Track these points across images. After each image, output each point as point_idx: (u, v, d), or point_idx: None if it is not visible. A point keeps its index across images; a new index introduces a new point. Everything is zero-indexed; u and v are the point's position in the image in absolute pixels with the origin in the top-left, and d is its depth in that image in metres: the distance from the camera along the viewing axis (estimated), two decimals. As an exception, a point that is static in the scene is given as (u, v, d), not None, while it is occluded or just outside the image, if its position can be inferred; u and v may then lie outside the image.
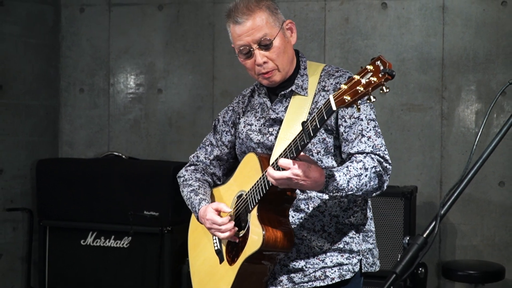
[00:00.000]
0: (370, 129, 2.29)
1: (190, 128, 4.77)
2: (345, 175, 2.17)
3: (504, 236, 4.28)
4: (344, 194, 2.17)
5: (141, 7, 4.82)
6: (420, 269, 3.93)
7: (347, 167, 2.20)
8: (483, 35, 4.28)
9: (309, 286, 2.37)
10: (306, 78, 2.40)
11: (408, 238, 1.73)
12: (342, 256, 2.37)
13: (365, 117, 2.30)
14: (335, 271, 2.36)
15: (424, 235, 1.70)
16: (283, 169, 2.09)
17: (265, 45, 2.32)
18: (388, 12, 4.41)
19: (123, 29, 4.85)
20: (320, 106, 1.97)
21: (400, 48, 4.39)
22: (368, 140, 2.27)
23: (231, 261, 2.38)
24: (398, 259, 1.69)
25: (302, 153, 2.12)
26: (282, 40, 2.35)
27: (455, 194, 1.73)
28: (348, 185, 2.16)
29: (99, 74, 4.91)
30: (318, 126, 1.99)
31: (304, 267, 2.37)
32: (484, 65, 4.28)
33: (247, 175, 2.37)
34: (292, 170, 2.07)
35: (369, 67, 1.81)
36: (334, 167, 2.26)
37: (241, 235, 2.35)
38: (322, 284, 2.36)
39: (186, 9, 4.75)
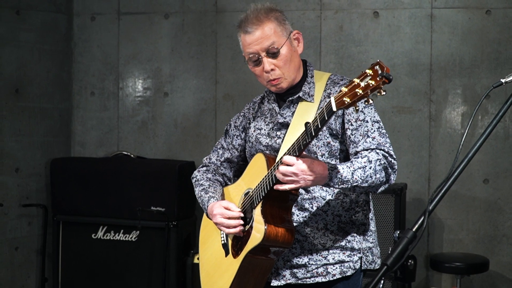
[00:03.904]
0: (375, 130, 2.28)
1: (194, 129, 4.76)
2: (349, 167, 2.16)
3: (488, 230, 4.28)
4: (350, 186, 2.15)
5: (149, 16, 4.81)
6: (410, 261, 3.90)
7: (351, 161, 2.20)
8: (468, 42, 4.28)
9: (311, 281, 2.36)
10: (313, 86, 2.39)
11: (398, 232, 1.73)
12: (343, 253, 2.36)
13: (370, 119, 2.30)
14: (336, 268, 2.35)
15: (414, 229, 1.70)
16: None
17: (273, 53, 2.32)
18: (380, 21, 4.41)
19: (131, 37, 4.85)
20: (322, 108, 1.97)
21: (391, 54, 4.38)
22: (372, 139, 2.26)
23: (235, 254, 2.38)
24: (389, 252, 1.69)
25: (304, 153, 2.12)
26: (288, 49, 2.34)
27: (443, 191, 1.73)
28: (353, 177, 2.14)
29: (109, 79, 4.91)
30: (320, 126, 1.98)
31: (307, 263, 2.36)
32: (469, 70, 4.28)
33: (254, 173, 2.37)
34: (297, 165, 2.07)
35: (368, 71, 1.81)
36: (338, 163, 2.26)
37: (246, 229, 2.35)
38: (323, 280, 2.36)
39: (190, 17, 4.74)
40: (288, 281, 2.38)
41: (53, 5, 4.78)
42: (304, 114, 2.35)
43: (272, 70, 2.33)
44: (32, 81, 4.64)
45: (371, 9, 4.42)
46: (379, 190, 2.27)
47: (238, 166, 2.65)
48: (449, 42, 4.31)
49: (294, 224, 2.34)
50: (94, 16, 4.91)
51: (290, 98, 2.39)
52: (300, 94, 2.38)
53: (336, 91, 2.34)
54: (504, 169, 4.25)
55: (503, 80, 1.83)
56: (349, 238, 2.36)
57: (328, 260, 2.35)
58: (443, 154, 4.33)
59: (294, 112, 2.38)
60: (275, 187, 2.17)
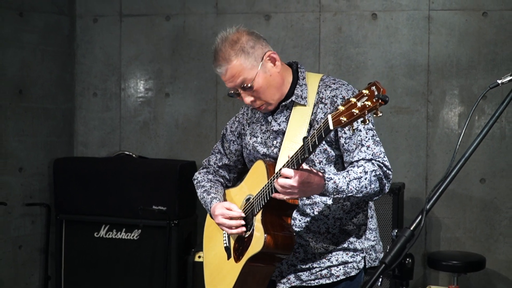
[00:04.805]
0: (369, 139, 2.26)
1: (195, 129, 4.76)
2: (345, 178, 2.15)
3: (484, 229, 4.28)
4: (345, 195, 2.15)
5: (150, 18, 4.81)
6: (408, 259, 3.90)
7: (347, 171, 2.19)
8: (465, 43, 4.28)
9: (315, 283, 2.36)
10: (305, 87, 2.36)
11: (396, 230, 1.73)
12: (347, 254, 2.35)
13: (364, 127, 2.27)
14: (340, 269, 2.35)
15: (411, 228, 1.70)
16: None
17: (248, 88, 2.29)
18: (378, 22, 4.41)
19: (133, 38, 4.85)
20: (320, 125, 1.96)
21: (389, 56, 4.38)
22: (367, 149, 2.25)
23: (237, 259, 2.39)
24: (387, 250, 1.69)
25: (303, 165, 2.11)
26: (262, 78, 2.29)
27: (440, 190, 1.73)
28: (348, 187, 2.14)
29: (111, 80, 4.91)
30: (317, 143, 1.98)
31: (311, 266, 2.36)
32: (466, 71, 4.28)
33: (255, 180, 2.37)
34: (295, 178, 2.06)
35: (365, 92, 1.78)
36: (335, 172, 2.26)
37: (247, 235, 2.35)
38: (328, 281, 2.36)
39: (191, 19, 4.74)
40: (293, 284, 2.38)
41: (56, 7, 4.78)
42: (299, 119, 2.33)
43: (252, 101, 2.31)
44: (35, 82, 4.64)
45: (369, 11, 4.42)
46: (373, 199, 2.27)
47: (238, 169, 2.65)
48: (446, 43, 4.31)
49: (297, 229, 2.34)
50: (97, 18, 4.91)
51: (284, 103, 2.37)
52: (293, 98, 2.35)
53: (329, 97, 2.32)
54: (501, 169, 4.25)
55: (499, 81, 1.82)
56: (351, 239, 2.36)
57: (332, 262, 2.35)
58: (440, 154, 4.33)
59: (288, 116, 2.36)
60: (273, 195, 2.17)
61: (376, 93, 1.76)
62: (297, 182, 2.06)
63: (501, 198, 4.26)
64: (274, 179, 2.18)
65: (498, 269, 4.26)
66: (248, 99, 2.31)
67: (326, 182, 2.12)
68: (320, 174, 2.14)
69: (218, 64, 2.30)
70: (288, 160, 2.13)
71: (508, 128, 4.23)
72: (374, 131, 2.30)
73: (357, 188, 2.16)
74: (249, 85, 2.28)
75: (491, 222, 4.27)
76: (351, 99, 1.82)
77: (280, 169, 2.14)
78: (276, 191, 2.16)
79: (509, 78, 1.81)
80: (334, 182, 2.13)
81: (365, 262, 2.38)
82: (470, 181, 4.28)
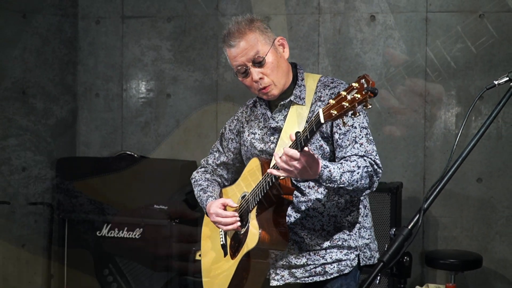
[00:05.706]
0: (363, 136, 2.28)
1: (196, 129, 4.76)
2: (339, 168, 2.16)
3: (481, 228, 4.28)
4: (336, 186, 2.15)
5: (152, 20, 4.81)
6: (405, 257, 3.88)
7: (341, 163, 2.20)
8: (462, 45, 4.28)
9: (309, 280, 2.37)
10: (303, 88, 2.37)
11: (394, 229, 1.74)
12: (341, 252, 2.36)
13: (359, 125, 2.29)
14: (334, 267, 2.35)
15: (409, 227, 1.71)
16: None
17: (259, 62, 2.30)
18: (376, 24, 4.41)
19: (135, 40, 4.85)
20: (311, 119, 1.97)
21: (387, 57, 4.38)
22: (360, 146, 2.26)
23: (233, 256, 2.40)
24: (385, 249, 1.70)
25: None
26: (274, 56, 2.32)
27: (437, 190, 1.73)
28: (341, 178, 2.15)
29: (113, 80, 4.91)
30: (309, 137, 1.98)
31: (305, 263, 2.36)
32: (463, 72, 4.28)
33: (251, 178, 2.38)
34: (301, 159, 2.05)
35: (355, 85, 1.79)
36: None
37: (242, 232, 2.36)
38: (322, 279, 2.36)
39: (192, 21, 4.74)
40: (287, 281, 2.39)
41: (59, 9, 4.78)
42: (296, 117, 2.34)
43: (260, 79, 2.32)
44: (38, 83, 4.64)
45: (367, 13, 4.42)
46: (361, 195, 2.27)
47: (235, 168, 2.66)
48: (443, 45, 4.31)
49: (292, 225, 2.35)
50: (99, 20, 4.91)
51: (282, 103, 2.38)
52: (292, 98, 2.37)
53: (327, 95, 2.33)
54: (497, 169, 4.25)
55: (496, 82, 1.83)
56: (345, 237, 2.36)
57: (326, 260, 2.35)
58: (437, 153, 4.33)
59: (286, 115, 2.37)
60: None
61: (365, 85, 1.77)
62: (301, 164, 2.05)
63: (497, 198, 4.26)
64: (269, 175, 2.21)
65: (495, 267, 4.26)
66: (257, 75, 2.31)
67: (322, 169, 2.13)
68: (319, 162, 2.14)
69: (232, 38, 2.32)
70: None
71: (505, 128, 4.24)
72: (368, 130, 2.31)
73: (349, 181, 2.16)
74: (261, 56, 2.29)
75: (488, 221, 4.27)
76: (341, 92, 1.83)
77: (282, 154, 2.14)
78: (271, 188, 2.18)
79: (505, 79, 1.81)
80: (329, 170, 2.13)
81: (359, 260, 2.38)
82: (467, 180, 4.28)
